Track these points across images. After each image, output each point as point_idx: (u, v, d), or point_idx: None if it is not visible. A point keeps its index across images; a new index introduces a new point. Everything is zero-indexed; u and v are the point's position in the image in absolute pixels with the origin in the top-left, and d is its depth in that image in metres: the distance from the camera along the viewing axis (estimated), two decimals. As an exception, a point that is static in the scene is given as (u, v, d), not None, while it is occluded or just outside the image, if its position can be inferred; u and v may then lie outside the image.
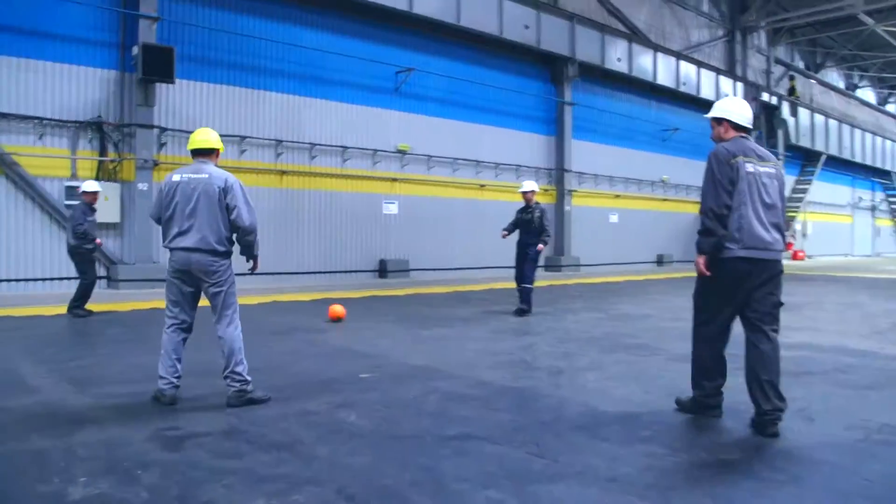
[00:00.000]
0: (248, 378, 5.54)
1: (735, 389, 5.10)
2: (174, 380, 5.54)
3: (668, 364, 7.30)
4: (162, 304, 11.84)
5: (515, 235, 12.50)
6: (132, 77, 15.44)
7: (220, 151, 6.03)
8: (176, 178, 5.70)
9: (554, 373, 6.86)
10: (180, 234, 5.57)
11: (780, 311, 4.93)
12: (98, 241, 11.80)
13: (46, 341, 8.31)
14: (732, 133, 5.15)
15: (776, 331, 4.91)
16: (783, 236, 4.94)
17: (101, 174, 15.37)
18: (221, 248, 5.57)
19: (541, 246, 12.16)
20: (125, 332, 9.22)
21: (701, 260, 4.96)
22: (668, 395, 5.62)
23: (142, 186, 15.42)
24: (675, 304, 13.54)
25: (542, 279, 20.07)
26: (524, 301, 12.11)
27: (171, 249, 5.63)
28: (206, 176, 5.67)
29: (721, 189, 4.86)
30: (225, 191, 5.63)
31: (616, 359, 7.65)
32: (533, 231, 12.22)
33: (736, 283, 4.88)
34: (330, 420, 4.99)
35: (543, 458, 4.19)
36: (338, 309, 10.39)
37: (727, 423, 5.01)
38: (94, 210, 11.67)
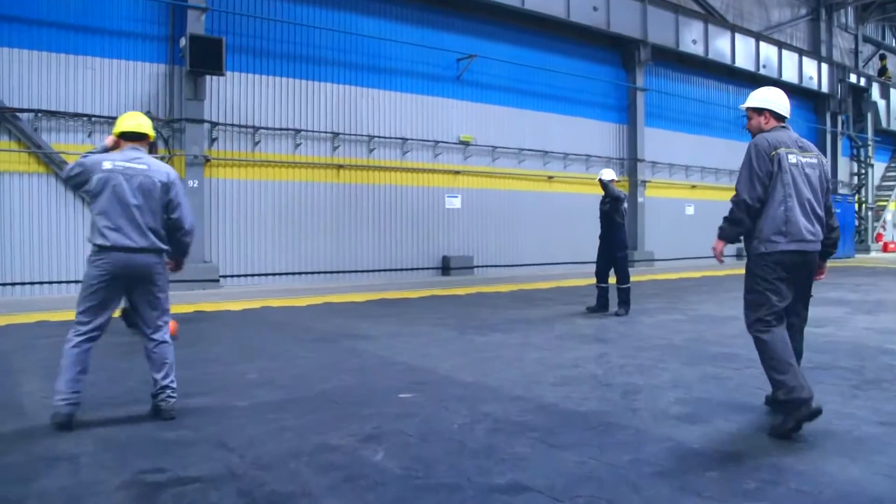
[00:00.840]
0: None
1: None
2: (73, 396, 4.73)
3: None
4: (205, 306, 11.31)
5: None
6: (181, 70, 14.87)
7: (151, 139, 5.26)
8: (107, 164, 4.88)
9: (629, 392, 5.80)
10: (117, 230, 4.81)
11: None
12: None
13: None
14: (773, 123, 5.04)
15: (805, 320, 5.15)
16: (823, 228, 4.91)
17: (152, 171, 14.80)
18: (164, 248, 5.04)
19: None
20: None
21: (720, 246, 5.20)
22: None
23: (192, 184, 14.82)
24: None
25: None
26: (621, 303, 11.11)
27: (104, 248, 4.82)
28: (145, 167, 4.98)
29: (757, 181, 4.79)
30: (167, 186, 5.02)
31: (702, 373, 6.54)
32: (612, 223, 11.28)
33: (786, 274, 4.79)
34: (352, 460, 4.06)
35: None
36: None
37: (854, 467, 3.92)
38: None
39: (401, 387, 5.89)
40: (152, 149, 14.23)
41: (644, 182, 23.74)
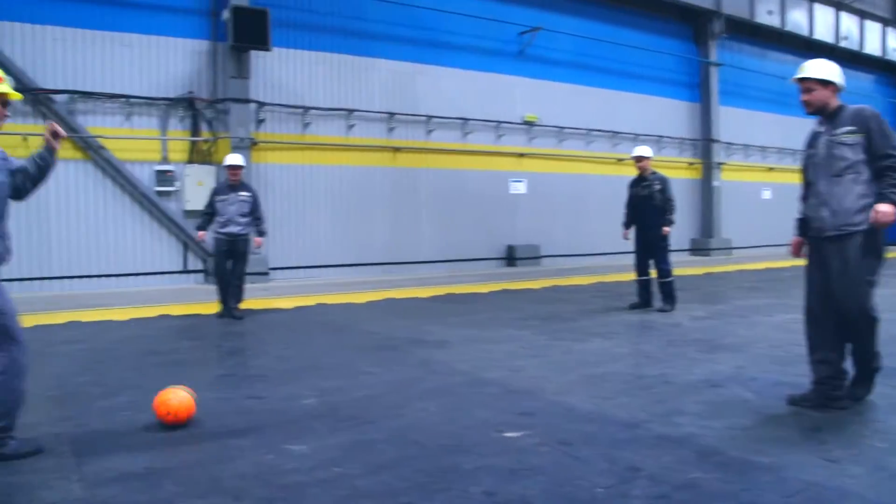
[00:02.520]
0: None
1: None
2: None
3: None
4: (253, 304, 10.06)
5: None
6: (224, 47, 13.67)
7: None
8: None
9: (811, 429, 4.34)
10: None
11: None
12: (200, 233, 9.85)
13: (92, 362, 6.40)
14: (835, 102, 4.79)
15: None
16: None
17: (195, 156, 13.69)
18: None
19: (666, 229, 9.58)
20: (193, 349, 7.23)
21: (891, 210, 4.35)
22: None
23: (238, 168, 13.62)
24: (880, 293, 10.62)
25: (689, 265, 17.32)
26: (666, 298, 9.66)
27: None
28: None
29: None
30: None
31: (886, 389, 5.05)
32: (653, 209, 9.60)
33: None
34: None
35: None
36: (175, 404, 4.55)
37: None
38: (231, 188, 9.53)
39: (502, 420, 4.50)
40: (195, 131, 13.16)
41: (719, 164, 21.99)
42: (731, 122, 22.60)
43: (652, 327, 8.36)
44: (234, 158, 9.61)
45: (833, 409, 4.66)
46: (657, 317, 9.19)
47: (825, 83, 4.72)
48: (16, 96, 3.93)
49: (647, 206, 9.67)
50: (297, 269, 14.61)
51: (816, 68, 4.79)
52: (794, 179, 19.27)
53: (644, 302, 9.98)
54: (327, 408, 4.81)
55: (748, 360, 6.37)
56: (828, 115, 4.84)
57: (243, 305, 9.66)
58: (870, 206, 4.49)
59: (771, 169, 24.21)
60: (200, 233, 9.81)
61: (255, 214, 9.62)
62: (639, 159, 9.82)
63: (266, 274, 13.78)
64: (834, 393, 4.72)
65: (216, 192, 9.63)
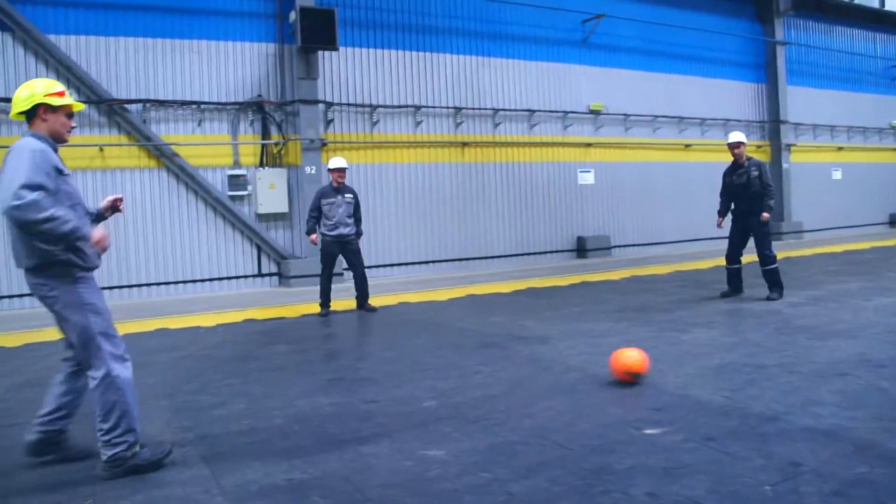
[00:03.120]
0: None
1: None
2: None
3: None
4: (334, 304, 10.02)
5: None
6: (291, 49, 13.68)
7: (45, 107, 3.80)
8: None
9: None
10: None
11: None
12: (312, 236, 9.93)
13: (190, 372, 6.37)
14: None
15: None
16: None
17: (266, 159, 13.73)
18: (32, 262, 3.71)
19: (765, 215, 9.32)
20: (289, 353, 7.17)
21: None
22: None
23: (309, 170, 13.64)
24: None
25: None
26: (772, 285, 9.37)
27: None
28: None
29: None
30: None
31: None
32: (752, 195, 9.34)
33: None
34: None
35: None
36: (634, 358, 5.27)
37: None
38: (336, 191, 9.77)
39: (635, 417, 4.33)
40: (265, 134, 13.24)
41: (788, 146, 21.38)
42: (799, 101, 21.96)
43: (751, 315, 8.08)
44: (338, 161, 9.78)
45: None
46: (753, 304, 8.90)
47: None
48: (79, 107, 3.96)
49: (745, 193, 9.43)
50: (370, 268, 14.54)
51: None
52: (865, 158, 18.68)
53: (735, 289, 9.75)
54: (450, 409, 4.69)
55: (867, 347, 6.09)
56: None
57: (343, 305, 9.72)
58: None
59: (840, 148, 23.47)
60: (312, 236, 9.86)
61: (357, 215, 9.84)
62: (735, 146, 9.53)
63: (340, 275, 13.75)
64: None
65: (322, 195, 9.75)
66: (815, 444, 3.74)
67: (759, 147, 21.05)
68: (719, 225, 9.99)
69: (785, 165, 21.26)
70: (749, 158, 9.57)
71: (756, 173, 9.37)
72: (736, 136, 9.65)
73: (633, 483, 3.31)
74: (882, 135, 24.89)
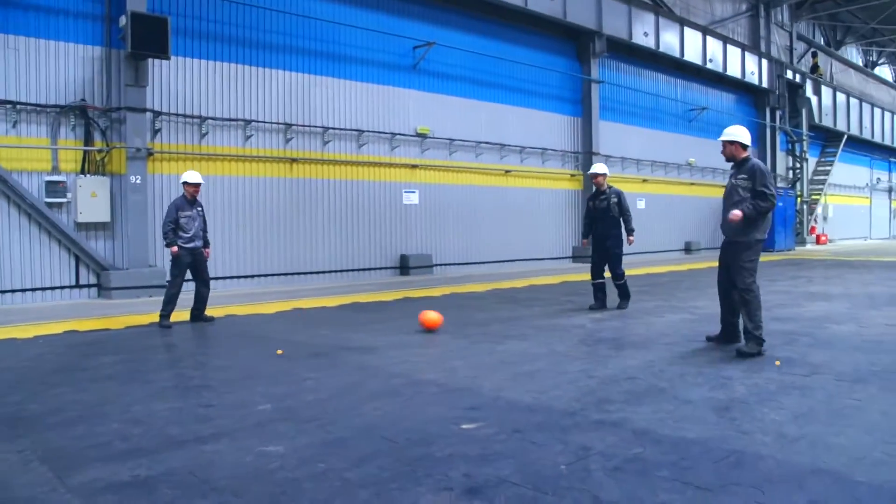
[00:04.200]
0: None
1: None
2: None
3: (845, 389, 5.40)
4: (156, 317, 9.97)
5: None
6: (120, 54, 13.41)
7: None
8: None
9: (721, 409, 4.91)
10: None
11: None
12: (173, 248, 9.82)
13: (14, 382, 6.27)
14: (743, 153, 7.22)
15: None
16: None
17: (88, 166, 13.33)
18: None
19: (631, 238, 10.63)
20: (118, 363, 7.18)
21: (739, 216, 6.88)
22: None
23: (134, 179, 13.38)
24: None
25: (572, 272, 18.16)
26: (622, 297, 10.92)
27: None
28: None
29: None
30: None
31: (772, 381, 5.71)
32: (611, 220, 10.59)
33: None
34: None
35: None
36: (432, 317, 8.26)
37: None
38: (191, 204, 9.91)
39: (454, 415, 4.84)
40: (88, 140, 12.90)
41: (598, 176, 23.05)
42: (610, 135, 23.82)
43: (560, 329, 8.87)
44: (195, 176, 9.97)
45: None
46: (561, 319, 9.74)
47: (733, 143, 7.16)
48: None
49: (605, 217, 10.60)
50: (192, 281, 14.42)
51: (727, 133, 7.23)
52: (666, 191, 20.49)
53: (601, 302, 10.86)
54: (285, 412, 5.00)
55: (654, 355, 6.97)
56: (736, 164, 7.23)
57: (146, 319, 9.67)
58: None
59: (645, 180, 25.59)
60: (174, 248, 9.76)
61: (205, 227, 10.15)
62: (594, 175, 10.75)
63: (163, 287, 13.55)
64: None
65: (179, 208, 9.79)
66: (603, 432, 4.39)
67: (572, 175, 22.60)
68: (584, 245, 10.98)
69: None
70: (610, 187, 10.75)
71: (615, 201, 10.55)
72: (597, 167, 10.90)
73: (452, 467, 3.79)
74: (680, 170, 27.36)
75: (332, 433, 4.47)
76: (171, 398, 5.50)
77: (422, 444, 4.20)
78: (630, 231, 10.67)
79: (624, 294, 10.86)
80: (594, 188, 11.04)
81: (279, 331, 9.08)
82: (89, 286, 13.37)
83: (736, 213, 6.83)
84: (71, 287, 13.20)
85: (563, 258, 22.45)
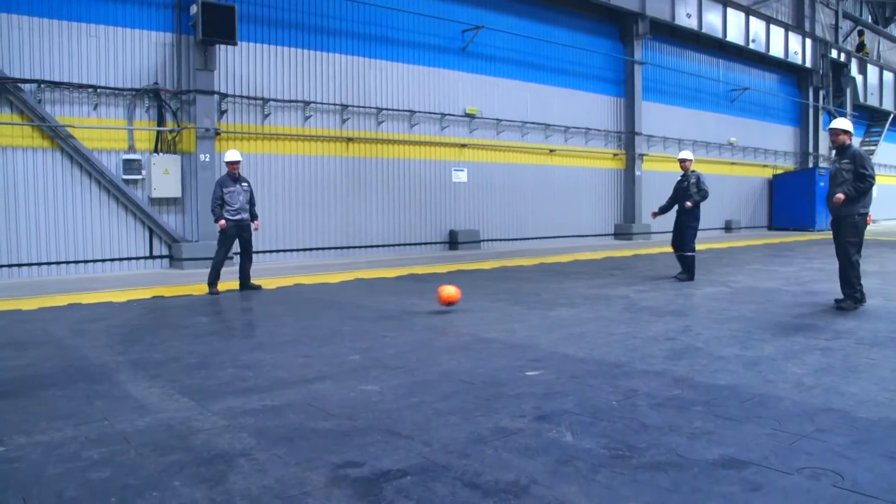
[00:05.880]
0: None
1: None
2: None
3: (863, 350, 6.08)
4: (233, 284, 10.90)
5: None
6: (189, 40, 14.34)
7: None
8: None
9: (749, 364, 5.64)
10: None
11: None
12: (220, 222, 10.81)
13: (130, 336, 7.22)
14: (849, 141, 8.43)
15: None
16: None
17: (160, 145, 14.30)
18: None
19: (689, 203, 11.66)
20: (213, 322, 8.12)
21: (843, 199, 8.15)
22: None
23: (203, 158, 14.34)
24: (785, 274, 12.27)
25: (615, 248, 18.86)
26: (686, 269, 11.86)
27: None
28: None
29: None
30: None
31: (797, 344, 6.41)
32: (689, 198, 11.74)
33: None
34: (545, 442, 3.82)
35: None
36: (451, 291, 8.56)
37: None
38: (234, 180, 10.81)
39: (518, 365, 5.64)
40: (161, 121, 13.82)
41: (641, 155, 23.63)
42: (653, 116, 24.33)
43: (605, 299, 9.61)
44: (234, 154, 10.82)
45: None
46: (606, 290, 10.47)
47: (846, 132, 8.43)
48: None
49: (684, 197, 11.74)
50: (261, 252, 15.38)
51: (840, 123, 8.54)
52: (707, 170, 20.92)
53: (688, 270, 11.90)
54: (372, 361, 5.85)
55: (691, 322, 7.70)
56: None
57: (224, 287, 10.77)
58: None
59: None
60: (221, 221, 10.74)
61: (252, 201, 10.83)
62: (682, 161, 11.98)
63: (231, 258, 14.49)
64: None
65: (223, 185, 10.68)
66: (647, 379, 5.17)
67: (615, 155, 23.18)
68: (652, 216, 12.46)
69: (637, 173, 23.49)
70: (692, 171, 11.86)
71: (693, 181, 11.69)
72: (685, 154, 12.09)
73: (523, 402, 4.60)
74: (721, 149, 27.72)
75: (417, 377, 5.30)
76: (270, 350, 6.37)
77: (495, 386, 5.01)
78: (691, 198, 11.64)
79: (689, 267, 11.81)
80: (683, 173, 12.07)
81: (348, 297, 9.95)
82: (161, 257, 14.38)
83: (839, 197, 8.08)
84: (145, 258, 14.23)
85: (605, 235, 23.11)
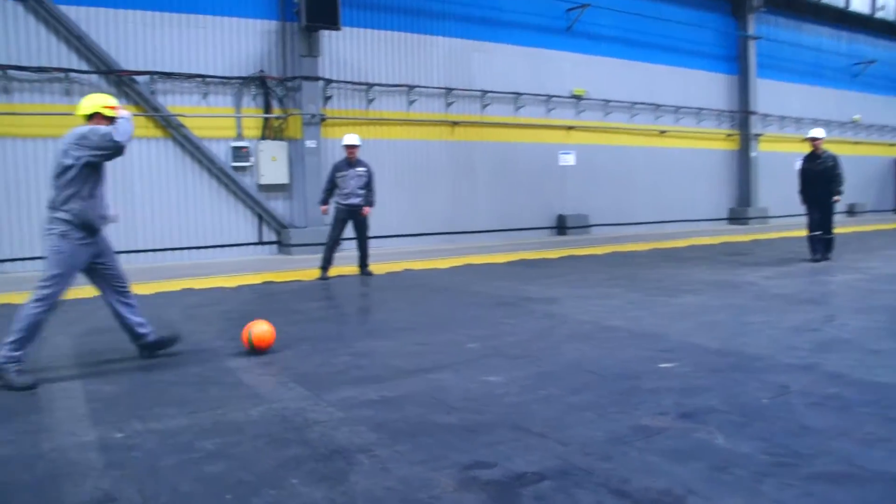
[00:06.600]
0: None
1: None
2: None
3: None
4: (341, 270, 10.79)
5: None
6: (293, 27, 14.31)
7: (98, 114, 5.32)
8: None
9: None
10: None
11: None
12: (322, 207, 10.87)
13: (241, 322, 7.08)
14: None
15: None
16: None
17: (267, 132, 14.35)
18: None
19: (837, 198, 11.31)
20: (325, 307, 7.96)
21: None
22: None
23: (310, 144, 14.31)
24: None
25: (732, 233, 17.96)
26: (825, 249, 11.60)
27: None
28: None
29: None
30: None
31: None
32: (826, 181, 11.32)
33: None
34: (694, 444, 3.40)
35: None
36: (262, 330, 5.71)
37: None
38: (349, 165, 10.62)
39: (649, 356, 5.21)
40: (267, 108, 13.80)
41: (756, 136, 22.49)
42: (768, 93, 23.06)
43: (731, 286, 9.00)
44: (350, 138, 10.59)
45: None
46: (730, 276, 9.83)
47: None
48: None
49: (820, 179, 11.30)
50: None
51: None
52: (828, 149, 19.43)
53: (821, 254, 11.56)
54: (492, 350, 5.52)
55: (833, 311, 7.06)
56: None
57: (335, 271, 10.62)
58: None
59: (805, 140, 24.56)
60: (323, 207, 10.70)
61: (369, 187, 10.62)
62: (813, 139, 11.50)
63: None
64: None
65: (336, 169, 10.55)
66: (796, 375, 4.65)
67: (728, 136, 22.14)
68: (802, 203, 11.76)
69: (753, 154, 22.37)
70: (825, 151, 11.36)
71: (831, 164, 11.24)
72: (814, 132, 11.61)
73: (661, 397, 4.18)
74: (844, 128, 26.13)
75: (542, 367, 4.94)
76: (384, 337, 6.13)
77: (627, 379, 4.60)
78: (838, 193, 11.30)
79: (830, 247, 11.58)
80: (811, 151, 11.62)
81: (459, 283, 9.68)
82: (270, 243, 14.45)
83: None
84: (255, 244, 14.33)
85: (718, 220, 22.10)
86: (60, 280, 4.99)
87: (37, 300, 4.89)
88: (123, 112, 5.25)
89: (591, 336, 5.96)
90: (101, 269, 5.30)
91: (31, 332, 4.86)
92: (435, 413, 3.99)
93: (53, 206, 5.03)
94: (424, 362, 5.18)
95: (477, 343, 5.75)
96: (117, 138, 5.02)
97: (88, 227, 5.09)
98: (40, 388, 4.72)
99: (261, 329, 5.63)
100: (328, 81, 14.85)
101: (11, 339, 4.79)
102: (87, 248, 5.14)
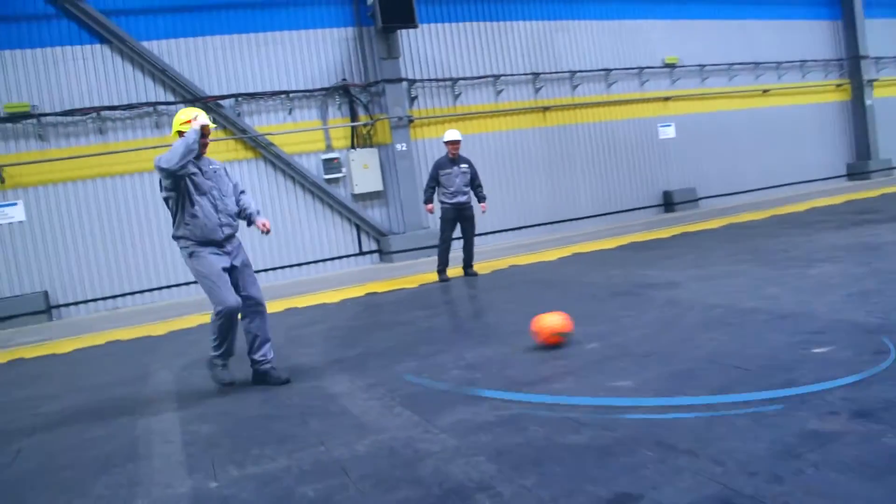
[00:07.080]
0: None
1: None
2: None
3: None
4: (452, 273, 10.40)
5: None
6: (370, 31, 14.04)
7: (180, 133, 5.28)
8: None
9: None
10: None
11: None
12: (427, 206, 10.40)
13: (345, 341, 6.79)
14: None
15: None
16: None
17: (356, 140, 14.13)
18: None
19: None
20: (430, 316, 7.55)
21: None
22: None
23: (400, 147, 14.00)
24: None
25: (853, 191, 16.66)
26: None
27: None
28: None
29: None
30: None
31: None
32: None
33: None
34: (881, 453, 2.80)
35: None
36: (554, 321, 5.40)
37: None
38: (452, 162, 10.17)
39: (799, 340, 4.56)
40: (354, 116, 13.59)
41: (870, 82, 20.90)
42: (879, 34, 21.35)
43: (870, 248, 8.14)
44: (452, 134, 10.19)
45: None
46: (868, 239, 8.92)
47: None
48: (208, 126, 5.19)
49: None
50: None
51: None
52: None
53: None
54: (616, 349, 4.98)
55: None
56: None
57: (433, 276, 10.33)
58: None
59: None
60: (429, 206, 10.31)
61: (475, 183, 10.21)
62: None
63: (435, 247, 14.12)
64: None
65: (439, 167, 10.17)
66: None
67: (838, 86, 20.70)
68: None
69: (868, 102, 20.81)
70: None
71: None
72: None
73: (828, 392, 3.55)
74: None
75: (676, 365, 4.37)
76: (497, 343, 5.71)
77: (779, 370, 3.99)
78: None
79: None
80: None
81: (569, 274, 9.16)
82: (371, 252, 14.23)
83: None
84: (355, 255, 14.14)
85: (835, 178, 20.63)
86: (213, 287, 5.11)
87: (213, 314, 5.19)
88: (194, 124, 5.11)
89: (726, 322, 5.33)
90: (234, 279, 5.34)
91: (219, 337, 5.22)
92: (561, 433, 3.50)
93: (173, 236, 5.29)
94: (542, 370, 4.70)
95: (597, 342, 5.22)
96: (160, 164, 4.96)
97: (208, 242, 5.20)
98: (139, 433, 4.49)
99: (553, 322, 5.30)
100: (412, 82, 14.52)
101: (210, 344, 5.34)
102: (219, 257, 5.23)
